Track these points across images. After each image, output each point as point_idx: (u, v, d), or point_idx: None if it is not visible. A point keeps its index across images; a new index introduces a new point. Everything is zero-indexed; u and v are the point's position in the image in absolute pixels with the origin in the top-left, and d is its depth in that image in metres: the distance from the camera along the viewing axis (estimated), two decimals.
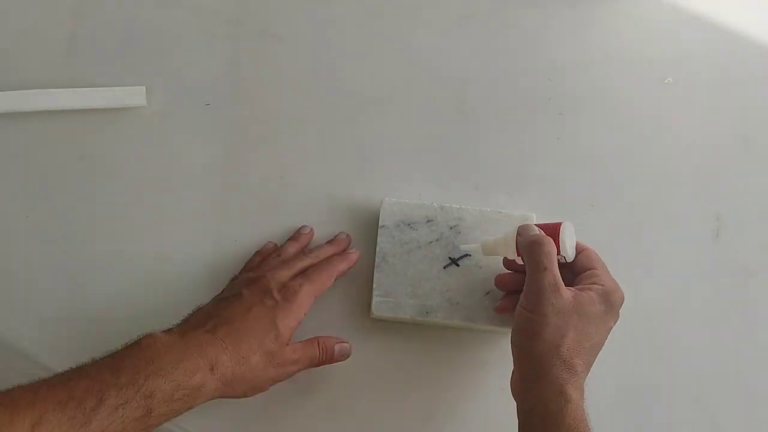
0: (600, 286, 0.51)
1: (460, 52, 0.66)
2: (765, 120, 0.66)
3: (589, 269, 0.52)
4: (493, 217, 0.58)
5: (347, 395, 0.56)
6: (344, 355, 0.55)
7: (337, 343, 0.55)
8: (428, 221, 0.58)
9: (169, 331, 0.49)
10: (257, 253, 0.58)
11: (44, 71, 0.63)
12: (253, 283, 0.52)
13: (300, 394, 0.55)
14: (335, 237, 0.59)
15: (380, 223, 0.58)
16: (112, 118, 0.62)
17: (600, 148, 0.64)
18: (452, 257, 0.57)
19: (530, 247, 0.51)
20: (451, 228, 0.58)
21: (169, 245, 0.59)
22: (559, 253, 0.51)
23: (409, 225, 0.58)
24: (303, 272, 0.55)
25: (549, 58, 0.66)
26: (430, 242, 0.57)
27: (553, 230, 0.52)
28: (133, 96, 0.62)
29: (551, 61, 0.66)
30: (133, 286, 0.58)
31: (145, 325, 0.56)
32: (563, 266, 0.52)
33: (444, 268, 0.57)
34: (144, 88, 0.62)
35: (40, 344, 0.56)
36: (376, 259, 0.56)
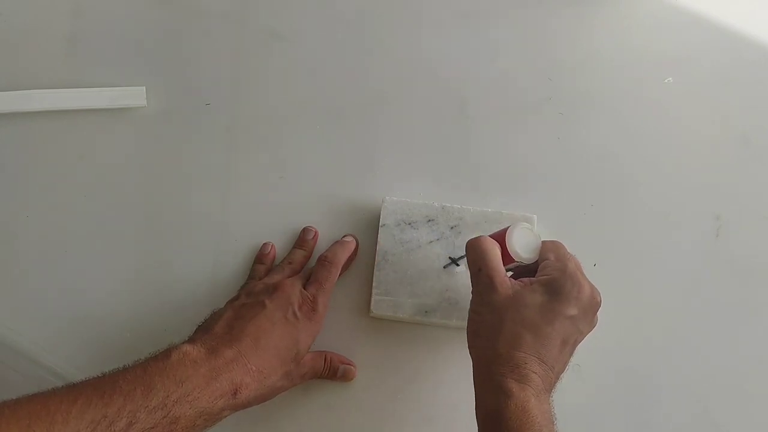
0: (546, 276, 0.49)
1: (460, 52, 0.66)
2: (765, 120, 0.66)
3: (543, 260, 0.51)
4: (494, 217, 0.58)
5: (346, 393, 0.56)
6: (347, 377, 0.56)
7: (342, 363, 0.56)
8: (429, 221, 0.58)
9: (193, 342, 0.48)
10: (258, 259, 0.58)
11: (44, 71, 0.63)
12: (275, 293, 0.52)
13: (299, 393, 0.55)
14: (342, 240, 0.59)
15: (381, 222, 0.58)
16: (112, 118, 0.62)
17: (600, 148, 0.64)
18: (452, 257, 0.57)
19: (466, 252, 0.51)
20: (452, 228, 0.58)
21: (169, 244, 0.59)
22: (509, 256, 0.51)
23: (409, 224, 0.58)
24: (312, 276, 0.55)
25: (549, 58, 0.66)
26: (431, 242, 0.57)
27: (501, 235, 0.52)
28: (133, 96, 0.62)
29: (551, 61, 0.66)
30: (133, 285, 0.57)
31: (145, 324, 0.56)
32: (530, 267, 0.52)
33: (444, 267, 0.57)
34: (144, 88, 0.62)
35: (40, 344, 0.56)
36: (377, 258, 0.56)
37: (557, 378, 0.48)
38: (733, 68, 0.68)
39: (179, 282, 0.58)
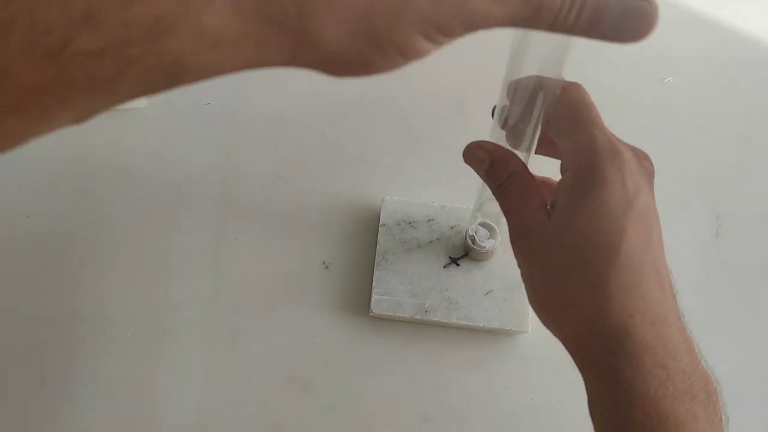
0: (570, 172, 0.34)
1: (460, 50, 0.66)
2: (765, 120, 0.67)
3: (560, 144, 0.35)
4: (492, 217, 0.58)
5: (346, 394, 0.56)
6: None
7: None
8: (429, 220, 0.58)
9: None
10: None
11: None
12: None
13: (299, 393, 0.55)
14: None
15: (381, 222, 0.58)
16: (112, 118, 0.62)
17: None
18: (452, 257, 0.57)
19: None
20: (452, 228, 0.58)
21: (168, 244, 0.59)
22: None
23: (409, 224, 0.58)
24: None
25: None
26: (431, 241, 0.57)
27: None
28: None
29: None
30: (132, 284, 0.57)
31: (144, 323, 0.56)
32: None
33: (444, 267, 0.57)
34: None
35: (38, 344, 0.56)
36: (376, 258, 0.56)
37: (673, 288, 0.35)
38: (733, 68, 0.68)
39: (178, 281, 0.58)
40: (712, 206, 0.63)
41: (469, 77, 0.65)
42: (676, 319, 0.34)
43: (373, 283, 0.56)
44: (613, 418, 0.32)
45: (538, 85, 0.33)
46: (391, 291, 0.56)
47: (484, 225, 0.53)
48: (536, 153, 0.39)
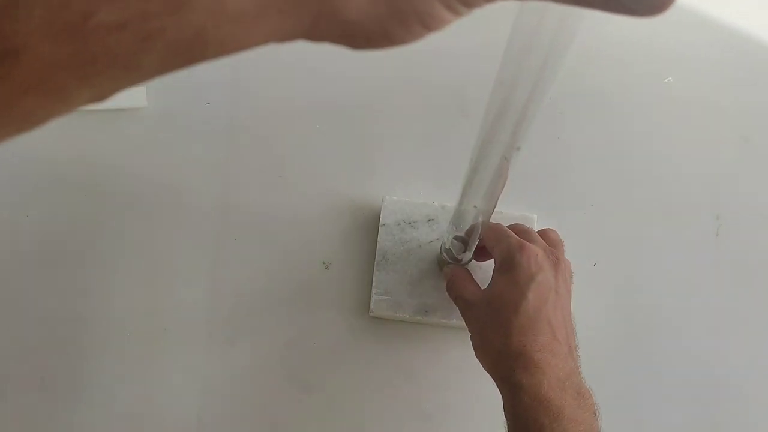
0: (497, 262, 0.50)
1: (460, 51, 0.66)
2: (765, 120, 0.67)
3: (491, 250, 0.51)
4: (493, 217, 0.58)
5: (346, 394, 0.56)
6: None
7: None
8: (429, 220, 0.58)
9: None
10: None
11: None
12: None
13: (299, 393, 0.55)
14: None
15: (381, 222, 0.58)
16: (112, 118, 0.62)
17: (600, 148, 0.64)
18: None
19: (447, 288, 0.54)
20: None
21: (168, 244, 0.59)
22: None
23: (409, 224, 0.58)
24: None
25: None
26: (431, 241, 0.57)
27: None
28: (133, 96, 0.62)
29: None
30: (131, 283, 0.57)
31: (141, 324, 0.56)
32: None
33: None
34: (144, 88, 0.62)
35: (38, 344, 0.56)
36: (376, 258, 0.56)
37: (568, 339, 0.48)
38: (733, 68, 0.68)
39: (178, 280, 0.58)
40: (712, 206, 0.63)
41: (470, 77, 0.65)
42: (562, 358, 0.46)
43: (373, 283, 0.56)
44: (512, 406, 0.45)
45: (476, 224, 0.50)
46: (391, 291, 0.56)
47: (457, 238, 0.53)
48: (478, 261, 0.56)
